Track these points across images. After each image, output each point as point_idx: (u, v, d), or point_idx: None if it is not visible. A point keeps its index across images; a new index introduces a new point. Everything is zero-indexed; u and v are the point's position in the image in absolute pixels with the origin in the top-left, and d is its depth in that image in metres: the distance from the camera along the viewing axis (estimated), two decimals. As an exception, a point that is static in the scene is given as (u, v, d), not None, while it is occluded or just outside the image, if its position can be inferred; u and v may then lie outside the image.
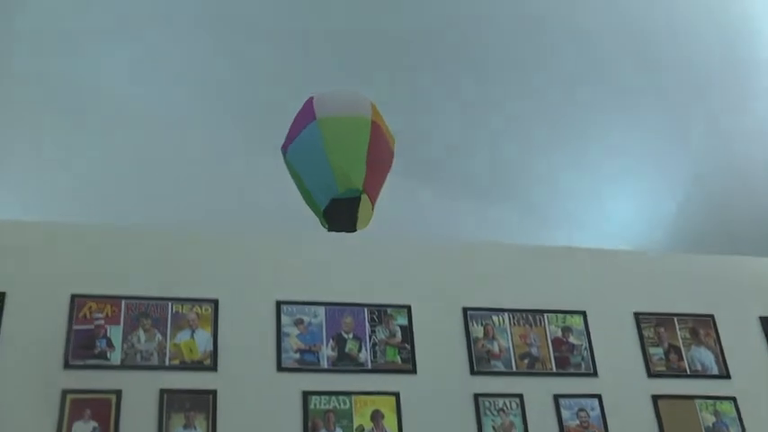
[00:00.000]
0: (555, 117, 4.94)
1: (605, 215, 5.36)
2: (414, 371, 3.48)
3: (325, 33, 4.26)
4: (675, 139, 5.01)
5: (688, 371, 3.77)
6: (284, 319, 3.44)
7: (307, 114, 2.20)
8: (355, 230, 2.30)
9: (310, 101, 2.28)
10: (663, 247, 5.31)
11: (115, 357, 3.19)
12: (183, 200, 4.82)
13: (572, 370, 3.66)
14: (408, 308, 3.60)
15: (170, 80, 4.85)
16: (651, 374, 3.72)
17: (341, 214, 2.21)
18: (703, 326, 3.89)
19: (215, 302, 3.40)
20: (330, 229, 2.31)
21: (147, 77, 4.85)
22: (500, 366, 3.59)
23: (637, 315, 3.86)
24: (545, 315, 3.76)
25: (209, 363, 3.27)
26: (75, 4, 4.44)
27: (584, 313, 3.80)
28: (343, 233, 2.26)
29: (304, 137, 2.21)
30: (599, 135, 5.00)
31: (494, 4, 4.40)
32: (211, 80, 4.86)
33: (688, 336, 3.85)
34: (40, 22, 4.48)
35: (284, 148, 2.34)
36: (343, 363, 3.43)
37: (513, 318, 3.72)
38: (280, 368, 3.33)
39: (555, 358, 3.67)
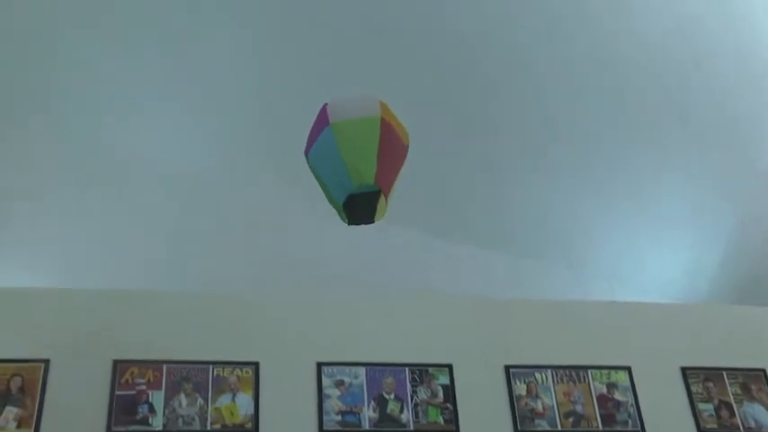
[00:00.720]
0: (590, 168, 4.92)
1: (645, 267, 5.29)
2: (457, 431, 3.41)
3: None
4: (715, 187, 4.95)
5: (741, 428, 3.65)
6: (325, 380, 3.41)
7: (322, 120, 2.43)
8: (373, 222, 2.41)
9: (324, 108, 2.46)
10: (707, 299, 5.21)
11: (157, 423, 3.18)
12: (220, 263, 4.85)
13: (618, 428, 3.57)
14: (450, 367, 3.56)
15: (202, 143, 4.92)
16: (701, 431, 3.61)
17: (360, 208, 2.36)
18: (755, 380, 3.78)
19: (255, 365, 3.39)
20: (350, 223, 2.42)
21: (179, 140, 4.93)
22: (544, 425, 3.52)
23: (684, 370, 3.76)
24: (589, 371, 3.69)
25: (251, 426, 3.25)
26: (106, 67, 4.55)
27: (628, 369, 3.72)
28: (362, 225, 2.39)
29: (321, 141, 2.42)
30: (636, 186, 4.97)
31: (518, 54, 4.43)
32: (246, 141, 4.92)
33: (739, 391, 3.74)
34: (76, 81, 4.59)
35: (306, 153, 2.52)
36: (385, 424, 3.39)
37: (557, 375, 3.65)
38: (321, 430, 3.30)
39: (600, 416, 3.59)
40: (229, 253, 4.94)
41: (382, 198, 2.40)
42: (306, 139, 2.49)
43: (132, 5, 4.19)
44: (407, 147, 2.55)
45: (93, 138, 4.71)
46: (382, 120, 2.39)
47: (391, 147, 2.40)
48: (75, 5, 4.16)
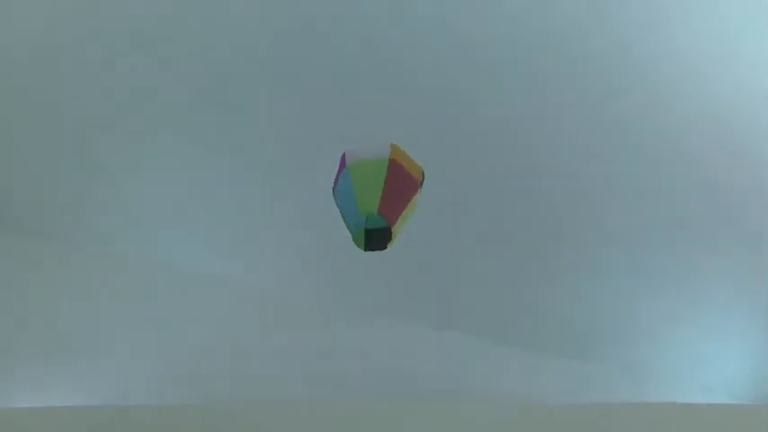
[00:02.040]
0: (641, 265, 4.85)
1: (707, 365, 5.10)
2: None
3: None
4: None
5: None
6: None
7: (342, 166, 2.88)
8: (386, 248, 2.81)
9: (344, 156, 2.88)
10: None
11: None
12: (274, 375, 4.80)
13: None
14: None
15: (252, 252, 4.98)
16: None
17: (376, 241, 2.77)
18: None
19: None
20: (366, 249, 2.78)
21: (231, 253, 4.99)
22: None
23: (759, 475, 3.55)
24: (656, 479, 3.50)
25: None
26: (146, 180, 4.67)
27: (698, 474, 3.52)
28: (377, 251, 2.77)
29: (340, 182, 2.87)
30: (689, 278, 4.86)
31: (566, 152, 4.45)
32: (294, 251, 4.97)
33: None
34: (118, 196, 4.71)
35: (333, 193, 2.98)
36: None
37: (622, 484, 3.47)
38: None
39: None
40: (279, 363, 4.89)
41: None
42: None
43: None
44: (418, 181, 2.93)
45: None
46: (390, 159, 2.82)
47: (397, 182, 2.81)
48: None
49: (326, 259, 4.93)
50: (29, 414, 3.43)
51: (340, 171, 2.90)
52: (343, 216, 2.89)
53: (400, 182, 2.83)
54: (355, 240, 2.74)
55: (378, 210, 2.72)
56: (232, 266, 4.98)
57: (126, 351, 4.56)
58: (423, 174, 2.95)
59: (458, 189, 4.41)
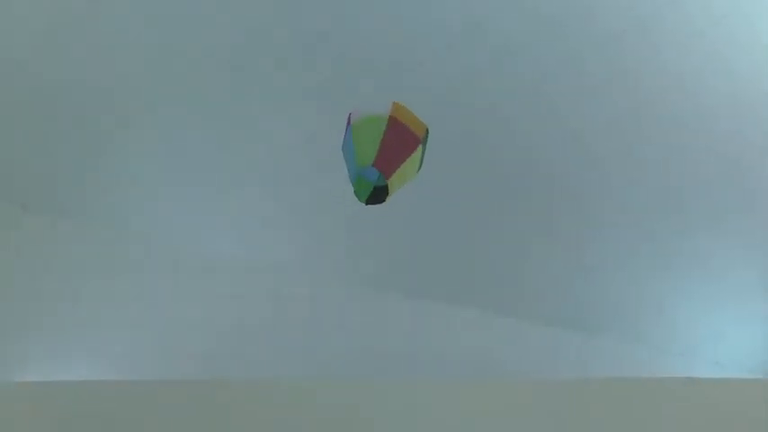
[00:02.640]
0: (656, 242, 4.82)
1: (722, 341, 5.09)
2: None
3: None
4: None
5: None
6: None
7: (348, 124, 3.05)
8: (384, 201, 2.98)
9: (349, 116, 3.04)
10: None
11: None
12: (288, 352, 4.84)
13: None
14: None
15: (266, 230, 4.99)
16: None
17: (373, 196, 2.93)
18: None
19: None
20: (366, 203, 2.95)
21: (244, 229, 5.01)
22: None
23: (771, 449, 3.54)
24: (669, 453, 3.50)
25: None
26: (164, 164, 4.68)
27: (710, 449, 3.51)
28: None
29: (345, 138, 3.04)
30: (705, 256, 4.83)
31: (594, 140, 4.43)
32: (311, 230, 4.98)
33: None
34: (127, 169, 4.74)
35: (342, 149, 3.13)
36: None
37: (635, 457, 3.48)
38: None
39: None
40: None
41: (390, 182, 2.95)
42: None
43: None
44: (420, 138, 3.03)
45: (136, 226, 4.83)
46: (390, 117, 2.96)
47: (395, 137, 2.95)
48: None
49: (334, 238, 4.95)
50: (43, 386, 3.48)
51: (347, 129, 3.06)
52: (348, 171, 3.06)
53: (399, 137, 2.97)
54: (356, 193, 2.90)
55: (373, 162, 2.88)
56: (245, 248, 5.01)
57: (134, 326, 4.61)
58: (427, 131, 3.06)
59: (473, 173, 4.42)
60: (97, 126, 4.61)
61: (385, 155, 2.92)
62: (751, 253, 4.79)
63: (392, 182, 2.93)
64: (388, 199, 2.93)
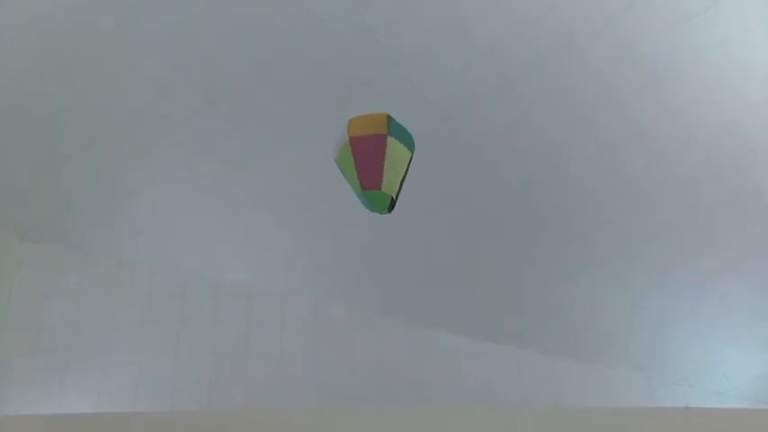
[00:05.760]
0: (655, 270, 4.85)
1: (720, 370, 5.08)
2: None
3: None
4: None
5: None
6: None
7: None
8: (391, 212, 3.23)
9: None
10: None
11: None
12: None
13: None
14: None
15: (270, 259, 5.00)
16: None
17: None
18: None
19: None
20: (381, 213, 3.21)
21: (249, 258, 5.02)
22: None
23: (769, 479, 3.54)
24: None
25: None
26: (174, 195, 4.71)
27: (712, 480, 3.51)
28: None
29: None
30: (702, 284, 4.85)
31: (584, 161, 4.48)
32: (311, 262, 4.99)
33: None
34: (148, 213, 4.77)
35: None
36: None
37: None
38: None
39: None
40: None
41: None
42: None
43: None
44: (384, 132, 3.19)
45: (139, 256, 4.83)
46: (349, 138, 3.16)
47: (364, 151, 3.16)
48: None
49: (337, 266, 4.98)
50: (46, 420, 3.47)
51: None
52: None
53: (365, 150, 3.18)
54: (374, 212, 3.17)
55: (362, 187, 3.13)
56: (251, 274, 5.02)
57: (139, 356, 4.60)
58: (388, 117, 3.21)
59: (476, 205, 4.51)
60: (105, 155, 4.64)
61: (364, 174, 3.15)
62: (752, 284, 4.81)
63: (385, 186, 3.13)
64: (399, 193, 3.16)
